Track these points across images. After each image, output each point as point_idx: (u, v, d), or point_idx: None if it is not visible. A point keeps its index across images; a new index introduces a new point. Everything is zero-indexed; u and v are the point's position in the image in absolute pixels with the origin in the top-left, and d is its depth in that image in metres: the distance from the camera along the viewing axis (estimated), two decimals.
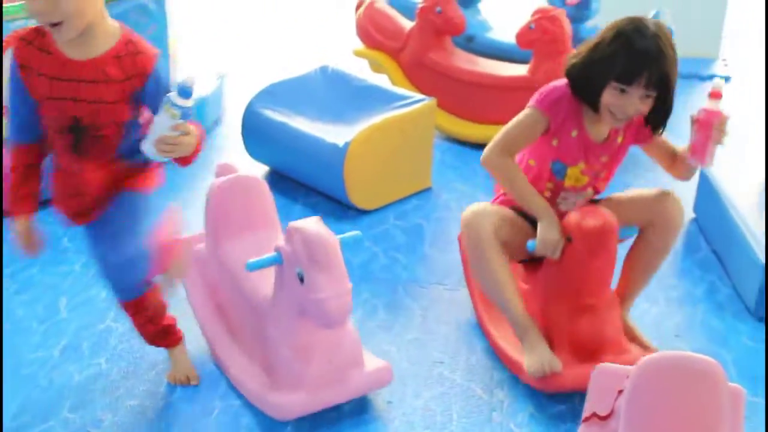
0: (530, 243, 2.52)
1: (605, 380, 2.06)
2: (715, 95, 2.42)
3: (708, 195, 3.45)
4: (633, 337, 2.66)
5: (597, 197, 2.69)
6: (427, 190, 3.75)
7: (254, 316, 2.51)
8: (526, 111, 2.53)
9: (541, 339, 2.52)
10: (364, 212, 3.53)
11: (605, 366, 2.08)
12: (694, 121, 2.45)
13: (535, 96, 2.52)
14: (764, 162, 3.54)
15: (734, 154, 4.23)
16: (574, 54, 2.50)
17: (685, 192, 3.73)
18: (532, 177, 2.59)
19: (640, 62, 2.35)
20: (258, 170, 3.84)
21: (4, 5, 3.27)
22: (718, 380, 1.83)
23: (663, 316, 2.96)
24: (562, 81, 2.51)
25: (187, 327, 2.75)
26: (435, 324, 2.87)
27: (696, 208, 3.58)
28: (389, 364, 2.53)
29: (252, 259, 2.36)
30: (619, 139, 2.58)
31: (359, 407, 2.49)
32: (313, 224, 2.32)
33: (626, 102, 2.39)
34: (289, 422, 2.42)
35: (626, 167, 2.94)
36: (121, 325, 2.80)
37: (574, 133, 2.50)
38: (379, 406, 2.51)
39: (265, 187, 2.74)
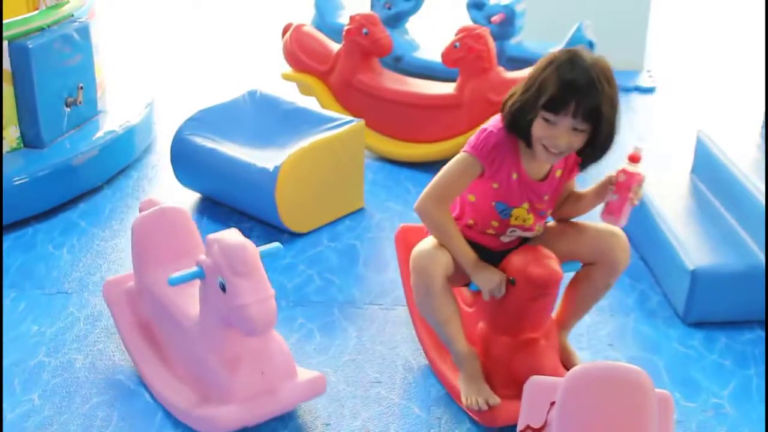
0: (473, 285, 2.50)
1: (538, 393, 2.09)
2: (634, 159, 2.42)
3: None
4: (570, 363, 2.62)
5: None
6: (360, 210, 3.76)
7: (184, 337, 2.51)
8: (460, 156, 2.44)
9: (479, 373, 2.51)
10: (297, 235, 3.53)
11: (538, 378, 2.11)
12: (614, 184, 2.42)
13: (470, 140, 2.43)
14: (689, 170, 3.62)
15: (659, 163, 4.32)
16: (510, 92, 2.40)
17: None
18: (474, 213, 2.52)
19: (567, 91, 2.26)
20: (190, 198, 3.82)
21: None
22: (646, 388, 1.87)
23: (596, 325, 3.00)
24: (497, 122, 2.42)
25: (122, 359, 2.75)
26: (371, 344, 2.88)
27: None
28: (323, 374, 2.53)
29: (174, 275, 2.36)
30: (558, 173, 2.50)
31: (297, 431, 2.49)
32: (231, 234, 2.35)
33: (555, 134, 2.29)
34: None
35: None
36: (53, 360, 2.76)
37: (515, 176, 2.42)
38: (317, 429, 2.50)
39: (188, 216, 2.76)
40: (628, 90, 5.33)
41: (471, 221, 2.53)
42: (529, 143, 2.36)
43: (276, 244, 2.51)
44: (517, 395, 2.38)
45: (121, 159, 4.05)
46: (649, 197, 3.42)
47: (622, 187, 2.41)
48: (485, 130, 2.41)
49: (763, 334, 2.98)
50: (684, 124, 4.71)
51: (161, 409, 2.56)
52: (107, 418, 2.54)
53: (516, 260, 2.44)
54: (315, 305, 3.09)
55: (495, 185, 2.44)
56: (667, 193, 3.50)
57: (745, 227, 3.11)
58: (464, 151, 2.43)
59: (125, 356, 2.78)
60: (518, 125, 2.36)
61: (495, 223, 2.51)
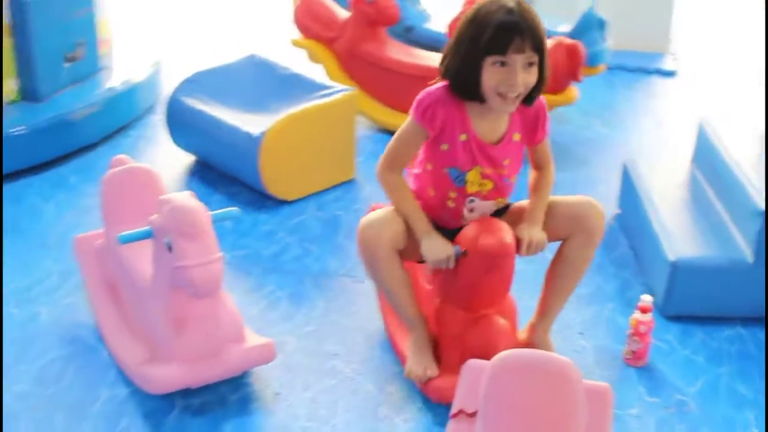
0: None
1: (473, 377, 2.04)
2: (645, 310, 2.67)
3: (629, 192, 3.43)
4: None
5: (507, 202, 2.57)
6: (351, 181, 3.72)
7: (138, 296, 2.53)
8: (406, 122, 2.42)
9: (426, 342, 2.50)
10: (284, 202, 3.51)
11: (473, 362, 2.07)
12: (635, 334, 2.66)
13: (414, 102, 2.40)
14: (691, 159, 3.53)
15: (665, 151, 4.23)
16: (442, 57, 2.37)
17: (612, 187, 3.72)
18: (433, 181, 2.46)
19: (506, 29, 2.22)
20: (184, 160, 3.82)
21: None
22: (571, 379, 1.81)
23: (570, 313, 2.90)
24: (440, 84, 2.38)
25: (87, 315, 2.78)
26: (336, 316, 2.85)
27: (621, 204, 3.57)
28: (272, 341, 2.51)
29: (124, 233, 2.36)
30: (516, 137, 2.44)
31: (246, 397, 2.48)
32: (182, 196, 2.35)
33: (510, 75, 2.24)
34: (173, 409, 2.41)
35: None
36: (20, 311, 2.78)
37: (463, 137, 2.37)
38: (266, 398, 2.49)
39: (157, 178, 2.74)
40: (648, 72, 5.23)
41: (432, 191, 2.48)
42: (481, 98, 2.31)
43: (233, 209, 2.49)
44: None
45: (120, 117, 4.05)
46: (645, 185, 3.34)
47: (644, 335, 2.68)
48: (422, 93, 2.38)
49: (743, 331, 2.90)
50: (699, 111, 4.59)
51: (115, 367, 2.56)
52: (62, 371, 2.55)
53: (468, 231, 2.40)
54: (287, 273, 3.07)
55: (444, 147, 2.39)
56: (665, 181, 3.42)
57: (735, 221, 3.02)
58: (409, 116, 2.41)
59: (91, 312, 2.78)
60: (466, 83, 2.31)
61: (453, 194, 2.45)
